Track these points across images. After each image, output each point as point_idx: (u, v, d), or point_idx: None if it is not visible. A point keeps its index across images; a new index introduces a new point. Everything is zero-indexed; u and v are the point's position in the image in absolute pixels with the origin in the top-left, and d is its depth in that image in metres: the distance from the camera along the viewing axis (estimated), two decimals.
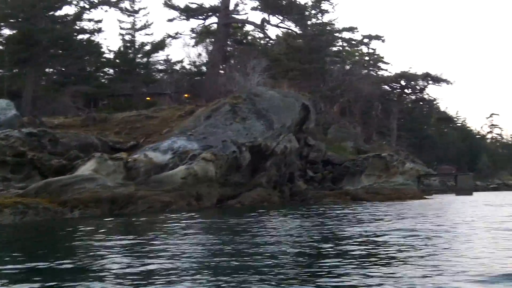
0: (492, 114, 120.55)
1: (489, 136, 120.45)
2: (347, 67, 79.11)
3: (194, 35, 59.93)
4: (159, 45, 57.15)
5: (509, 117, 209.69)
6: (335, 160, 47.57)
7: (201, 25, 57.66)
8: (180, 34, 58.36)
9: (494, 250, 10.08)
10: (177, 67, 63.67)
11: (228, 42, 61.04)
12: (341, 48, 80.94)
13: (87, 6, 48.93)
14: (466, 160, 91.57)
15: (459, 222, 17.27)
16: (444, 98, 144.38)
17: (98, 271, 8.35)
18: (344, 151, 53.65)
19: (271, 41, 66.25)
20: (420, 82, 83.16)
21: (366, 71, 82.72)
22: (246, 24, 59.69)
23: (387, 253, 10.00)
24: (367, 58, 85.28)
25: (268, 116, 35.12)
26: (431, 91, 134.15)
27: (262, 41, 65.93)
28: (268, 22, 55.52)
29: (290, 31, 61.33)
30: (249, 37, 65.65)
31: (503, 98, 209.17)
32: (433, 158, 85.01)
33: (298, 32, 62.08)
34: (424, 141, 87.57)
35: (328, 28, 70.15)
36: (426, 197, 41.70)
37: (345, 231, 14.40)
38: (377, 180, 43.70)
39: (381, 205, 29.53)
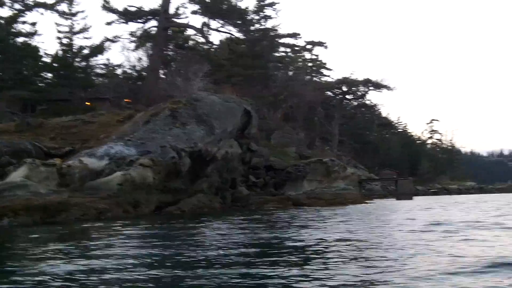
0: (432, 120, 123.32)
1: (429, 141, 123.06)
2: (290, 73, 79.57)
3: (133, 39, 58.93)
4: (98, 49, 55.92)
5: (449, 122, 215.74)
6: (278, 165, 47.47)
7: (140, 29, 56.69)
8: (119, 37, 57.22)
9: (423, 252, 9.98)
10: (118, 71, 62.47)
11: (170, 47, 60.27)
12: (284, 54, 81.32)
13: (22, 9, 47.38)
14: (407, 165, 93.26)
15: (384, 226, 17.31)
16: (385, 104, 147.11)
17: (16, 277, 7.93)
18: (287, 157, 53.65)
19: (213, 46, 65.85)
20: (361, 88, 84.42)
21: (309, 77, 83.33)
22: (187, 29, 59.08)
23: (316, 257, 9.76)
24: (310, 64, 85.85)
25: (208, 121, 34.64)
26: (372, 97, 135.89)
27: (204, 46, 65.39)
28: (209, 26, 55.08)
29: (232, 36, 61.03)
30: (191, 42, 65.04)
31: (443, 104, 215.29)
32: (375, 163, 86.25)
33: (240, 37, 61.90)
34: (366, 146, 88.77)
35: (271, 33, 70.24)
36: (367, 201, 42.02)
37: (280, 236, 14.13)
38: (318, 185, 43.83)
39: (321, 210, 29.48)
